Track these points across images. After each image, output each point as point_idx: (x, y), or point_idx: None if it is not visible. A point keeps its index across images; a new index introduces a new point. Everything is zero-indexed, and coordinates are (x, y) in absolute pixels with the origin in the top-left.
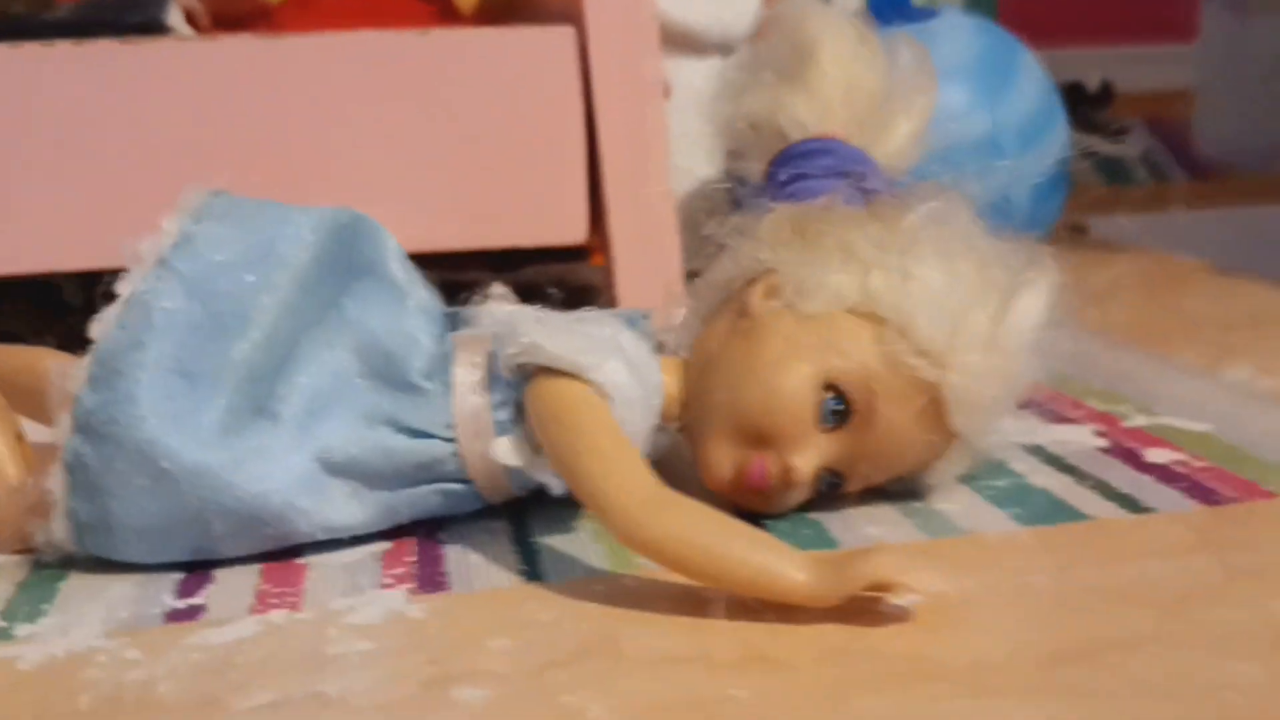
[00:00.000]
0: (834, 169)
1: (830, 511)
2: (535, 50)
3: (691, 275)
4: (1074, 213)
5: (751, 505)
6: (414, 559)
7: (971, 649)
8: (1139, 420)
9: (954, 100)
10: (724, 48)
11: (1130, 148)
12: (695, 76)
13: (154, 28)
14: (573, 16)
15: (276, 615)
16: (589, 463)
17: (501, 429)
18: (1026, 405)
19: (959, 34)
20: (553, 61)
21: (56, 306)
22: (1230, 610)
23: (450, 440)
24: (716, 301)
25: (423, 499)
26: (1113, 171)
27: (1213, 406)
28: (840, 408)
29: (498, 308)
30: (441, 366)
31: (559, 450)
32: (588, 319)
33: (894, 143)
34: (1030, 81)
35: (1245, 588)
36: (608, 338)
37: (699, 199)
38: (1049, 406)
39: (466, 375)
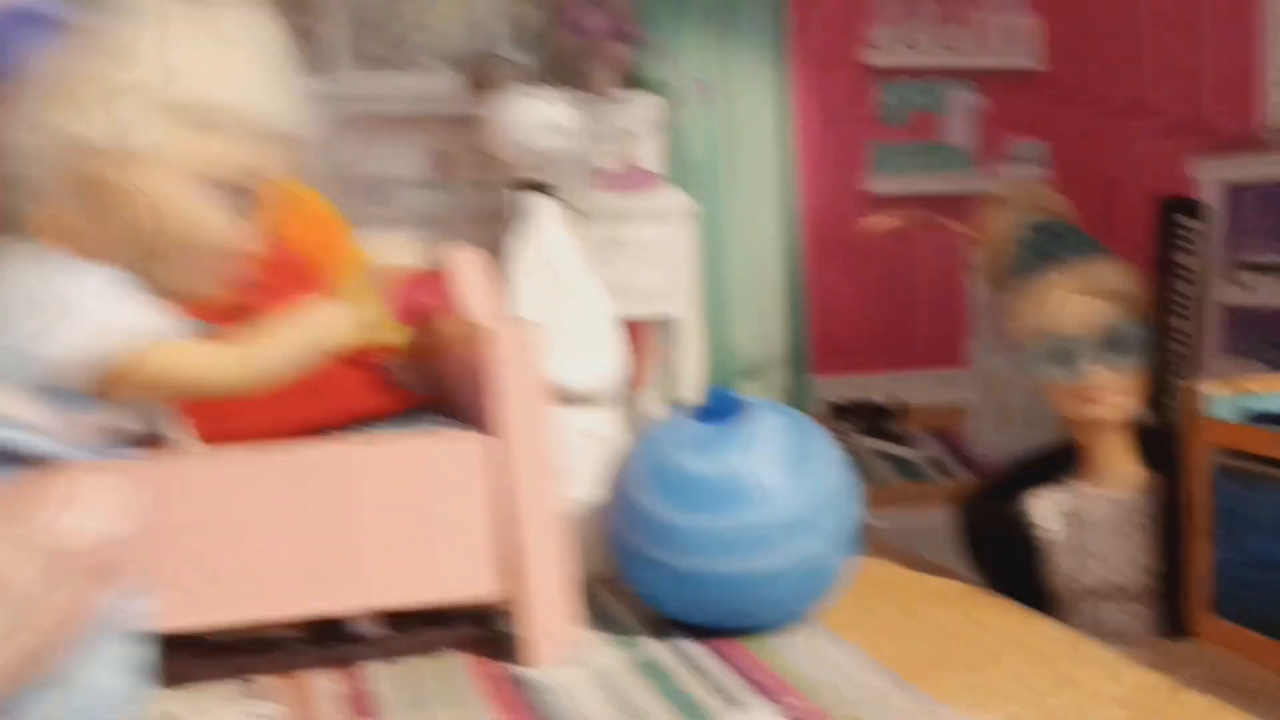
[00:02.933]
0: None
1: None
2: (460, 453)
3: None
4: (875, 507)
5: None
6: None
7: None
8: None
9: (773, 481)
10: (596, 400)
11: (919, 453)
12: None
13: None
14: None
15: None
16: None
17: None
18: None
19: (773, 430)
20: (472, 461)
21: None
22: None
23: None
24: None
25: None
26: (908, 471)
27: None
28: (236, 195)
29: None
30: None
31: None
32: None
33: None
34: (829, 463)
35: None
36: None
37: None
38: None
39: None
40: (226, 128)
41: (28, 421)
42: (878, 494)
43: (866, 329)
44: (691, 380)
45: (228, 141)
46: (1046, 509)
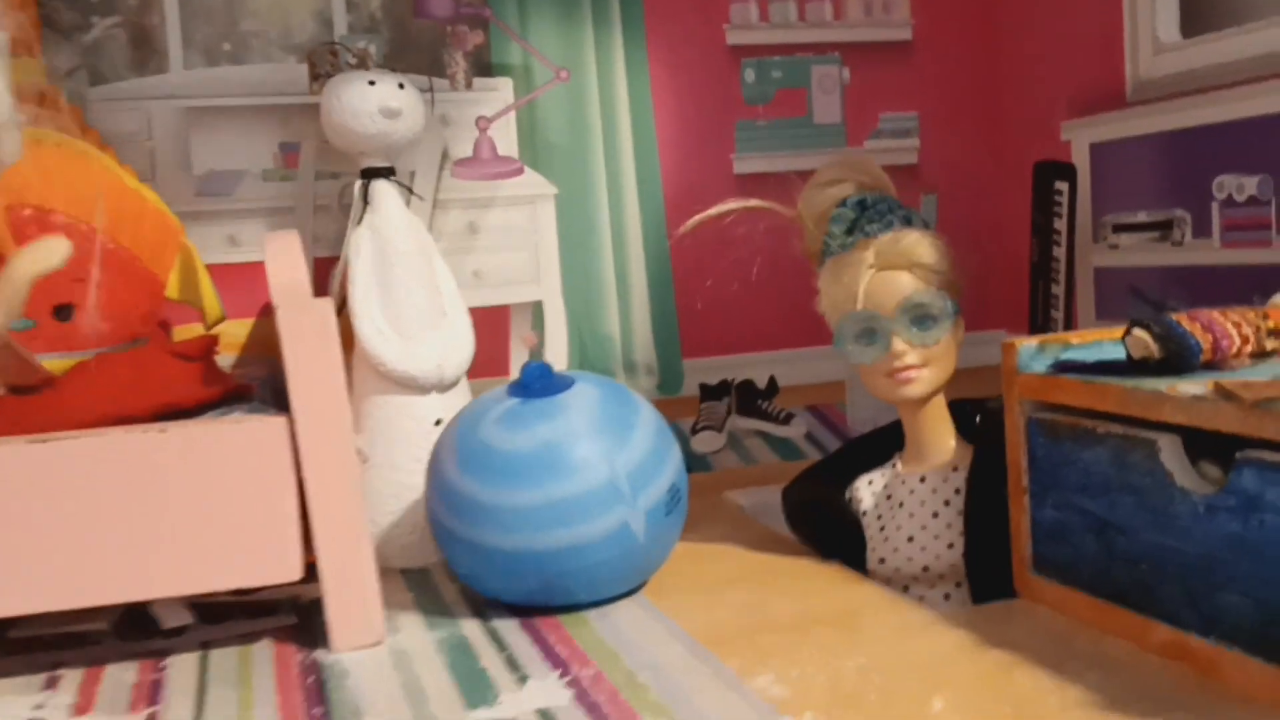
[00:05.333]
0: None
1: None
2: (259, 436)
3: None
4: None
5: None
6: None
7: None
8: None
9: (582, 455)
10: (441, 386)
11: (795, 430)
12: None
13: None
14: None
15: None
16: None
17: None
18: None
19: (586, 401)
20: (272, 444)
21: None
22: None
23: None
24: None
25: None
26: (785, 450)
27: (723, 718)
28: None
29: None
30: None
31: None
32: None
33: None
34: (644, 432)
35: None
36: None
37: None
38: (610, 716)
39: None
40: None
41: None
42: (754, 473)
43: (738, 309)
44: (558, 364)
45: None
46: (865, 492)
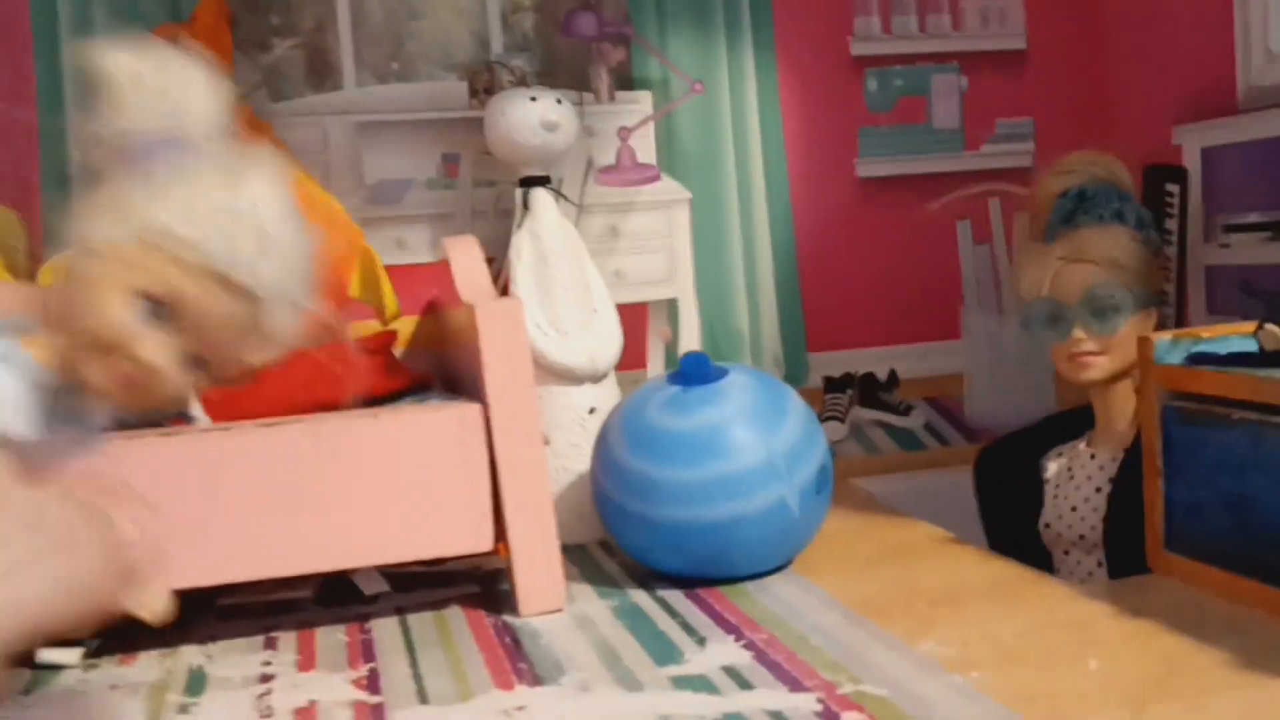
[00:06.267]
0: None
1: None
2: (459, 421)
3: None
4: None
5: (138, 403)
6: None
7: None
8: (848, 688)
9: (742, 437)
10: (595, 378)
11: (915, 420)
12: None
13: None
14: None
15: None
16: None
17: None
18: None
19: (743, 389)
20: (470, 428)
21: None
22: None
23: None
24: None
25: None
26: (905, 440)
27: (898, 674)
28: (156, 308)
29: None
30: None
31: None
32: None
33: None
34: (795, 418)
35: None
36: None
37: None
38: (792, 673)
39: None
40: (174, 252)
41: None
42: (875, 462)
43: (861, 306)
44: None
45: (169, 263)
46: (1053, 463)
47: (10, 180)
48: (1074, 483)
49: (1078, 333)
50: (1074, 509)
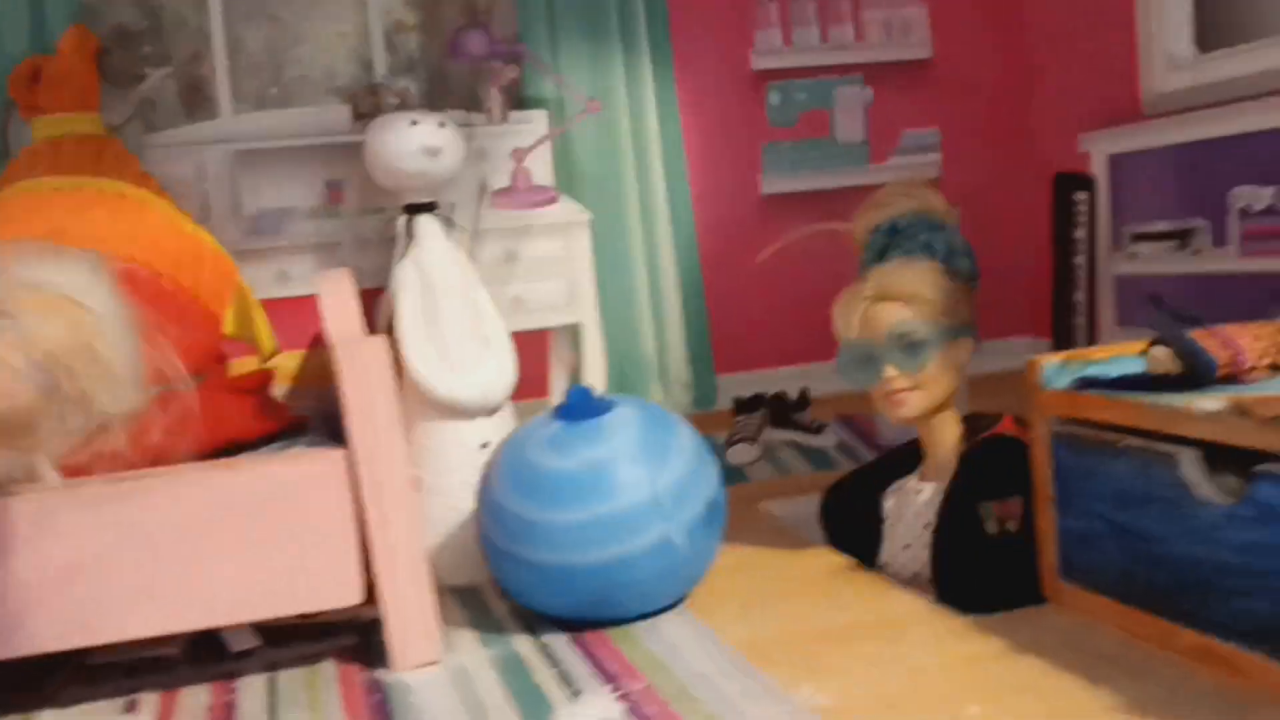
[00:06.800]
0: None
1: None
2: (320, 469)
3: None
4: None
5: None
6: None
7: None
8: None
9: (625, 475)
10: (487, 411)
11: (827, 439)
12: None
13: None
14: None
15: None
16: None
17: None
18: None
19: (628, 424)
20: (333, 476)
21: None
22: None
23: None
24: None
25: None
26: (818, 460)
27: None
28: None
29: None
30: None
31: None
32: None
33: None
34: (682, 452)
35: None
36: None
37: None
38: None
39: None
40: None
41: None
42: (788, 483)
43: (770, 324)
44: (596, 384)
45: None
46: (890, 498)
47: None
48: (904, 520)
49: (888, 371)
50: (905, 546)
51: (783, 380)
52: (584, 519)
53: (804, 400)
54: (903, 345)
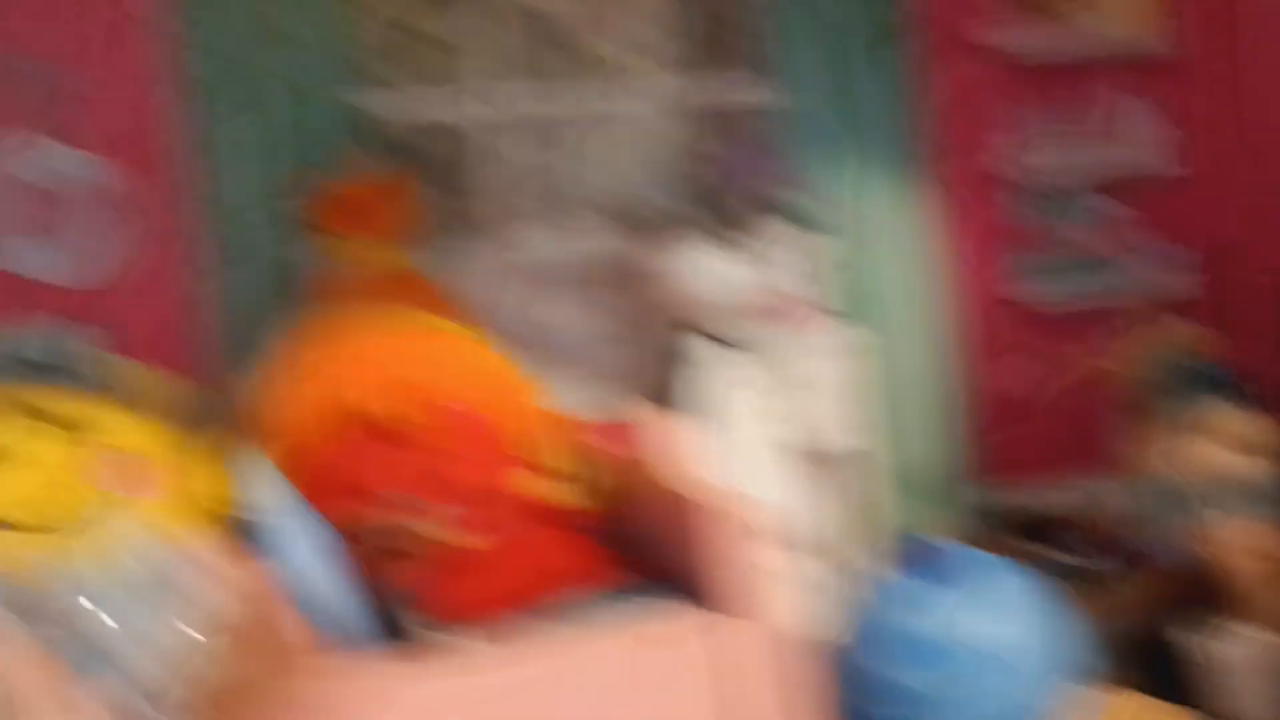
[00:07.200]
0: None
1: None
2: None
3: None
4: None
5: None
6: None
7: None
8: None
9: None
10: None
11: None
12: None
13: None
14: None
15: None
16: None
17: None
18: None
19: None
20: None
21: None
22: None
23: None
24: None
25: None
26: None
27: None
28: None
29: None
30: None
31: None
32: None
33: None
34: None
35: None
36: None
37: None
38: None
39: None
40: None
41: None
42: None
43: (1041, 435)
44: (882, 512)
45: None
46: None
47: None
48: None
49: (1212, 517)
50: (1246, 697)
51: (1053, 495)
52: (977, 691)
53: (1082, 522)
54: (1243, 494)
